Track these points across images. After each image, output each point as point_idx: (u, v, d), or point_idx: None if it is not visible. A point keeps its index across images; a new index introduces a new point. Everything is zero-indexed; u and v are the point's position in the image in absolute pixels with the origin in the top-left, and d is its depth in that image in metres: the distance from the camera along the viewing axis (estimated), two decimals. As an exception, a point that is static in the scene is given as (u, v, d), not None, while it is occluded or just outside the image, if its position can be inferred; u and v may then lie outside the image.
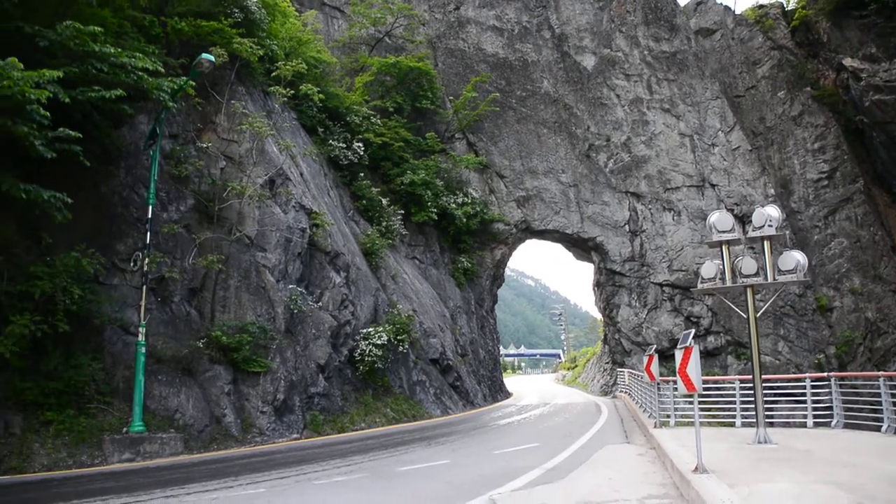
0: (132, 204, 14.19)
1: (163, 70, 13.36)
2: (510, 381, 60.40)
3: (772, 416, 12.85)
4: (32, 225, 12.44)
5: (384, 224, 25.05)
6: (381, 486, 8.54)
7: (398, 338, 20.27)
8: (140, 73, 12.53)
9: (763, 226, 10.99)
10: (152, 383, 12.93)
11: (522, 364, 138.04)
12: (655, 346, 16.79)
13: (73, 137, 11.16)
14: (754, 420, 11.07)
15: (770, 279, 11.01)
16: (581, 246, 34.66)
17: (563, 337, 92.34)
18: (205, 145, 16.20)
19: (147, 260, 13.18)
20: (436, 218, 28.39)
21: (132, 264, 13.50)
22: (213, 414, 13.55)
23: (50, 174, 11.99)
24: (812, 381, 13.57)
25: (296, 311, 16.53)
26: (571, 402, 28.94)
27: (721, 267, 11.68)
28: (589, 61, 34.29)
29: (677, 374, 8.48)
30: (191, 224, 15.27)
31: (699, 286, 11.82)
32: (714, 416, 15.60)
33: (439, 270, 29.21)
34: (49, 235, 12.45)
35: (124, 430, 12.06)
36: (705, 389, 14.72)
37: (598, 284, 35.78)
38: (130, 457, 11.66)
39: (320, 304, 18.10)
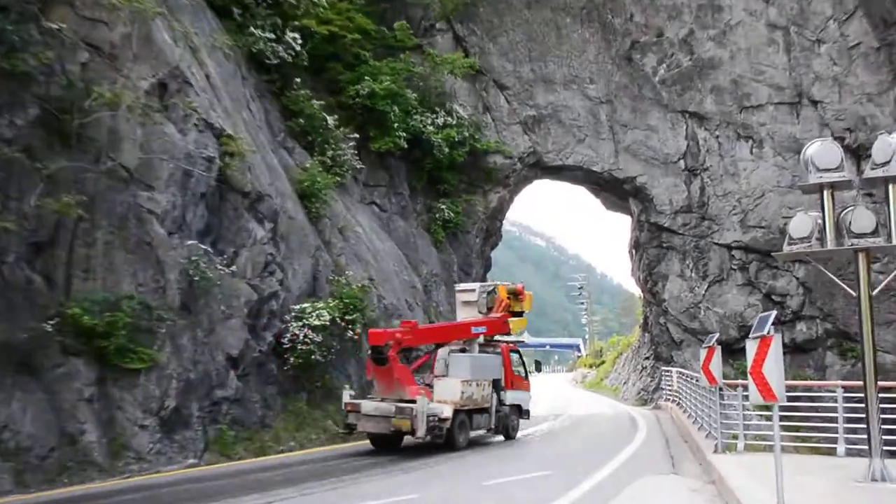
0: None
1: None
2: None
3: (893, 442, 12.88)
4: None
5: (330, 154, 25.02)
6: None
7: (347, 318, 20.42)
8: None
9: (889, 161, 10.71)
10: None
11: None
12: (718, 335, 16.73)
13: None
14: (866, 446, 11.00)
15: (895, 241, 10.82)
16: (614, 190, 34.41)
17: (584, 320, 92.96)
18: (55, 26, 15.53)
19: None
20: (405, 146, 28.35)
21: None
22: (64, 431, 13.27)
23: None
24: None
25: (197, 278, 16.38)
26: (595, 413, 29.34)
27: (820, 222, 11.53)
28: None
29: (749, 376, 8.55)
30: (34, 147, 14.65)
31: (786, 249, 11.74)
32: (804, 439, 15.62)
33: (409, 222, 29.27)
34: None
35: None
36: (792, 399, 14.76)
37: (636, 246, 35.65)
38: None
39: (234, 268, 17.94)
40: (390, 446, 17.82)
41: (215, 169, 17.72)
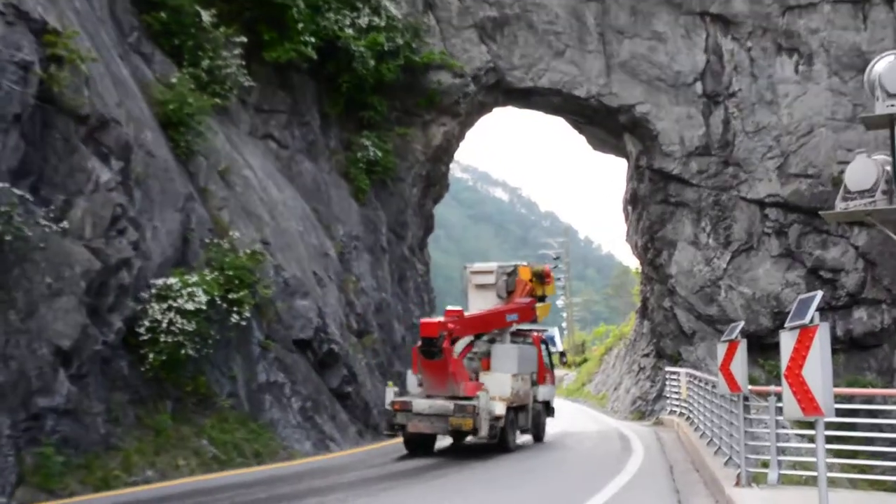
0: None
1: None
2: None
3: None
4: None
5: (206, 65, 24.81)
6: None
7: (232, 297, 20.62)
8: None
9: None
10: None
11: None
12: (744, 324, 16.69)
13: None
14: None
15: None
16: (604, 123, 34.51)
17: (560, 303, 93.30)
18: None
19: None
20: (314, 56, 28.20)
21: None
22: None
23: None
24: None
25: (9, 237, 15.93)
26: (572, 433, 29.55)
27: (889, 169, 11.52)
28: None
29: (783, 380, 8.65)
30: None
31: (839, 206, 11.75)
32: (863, 469, 15.77)
33: (319, 165, 29.27)
34: None
35: None
36: (845, 413, 14.83)
37: (634, 201, 35.79)
38: None
39: (65, 224, 17.43)
40: (426, 450, 22.17)
41: (34, 81, 17.15)
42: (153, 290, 19.17)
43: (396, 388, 22.01)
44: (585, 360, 64.81)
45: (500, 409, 21.34)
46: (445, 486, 16.77)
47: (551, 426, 27.27)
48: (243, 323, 20.95)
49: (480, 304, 25.18)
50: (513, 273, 25.58)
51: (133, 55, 22.92)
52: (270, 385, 22.44)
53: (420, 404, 21.24)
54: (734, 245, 32.16)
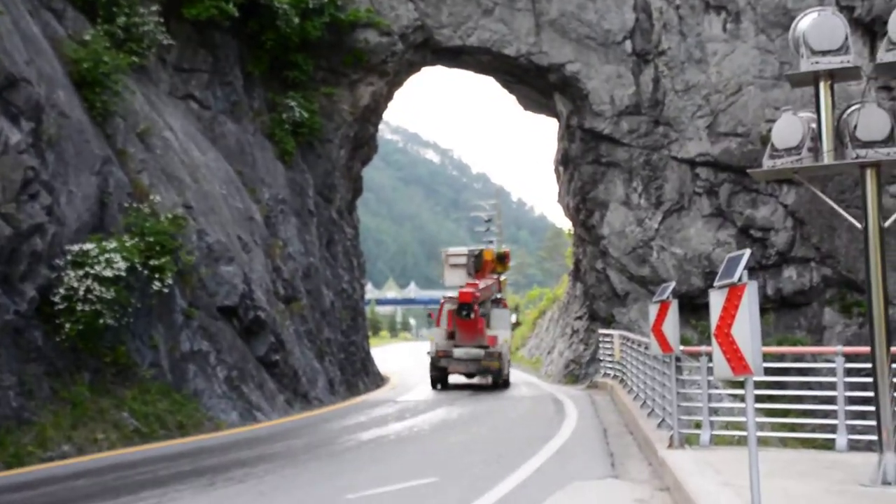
0: None
1: None
2: (386, 352, 62.23)
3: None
4: None
5: (122, 22, 24.37)
6: None
7: (153, 264, 20.53)
8: None
9: (915, 40, 10.65)
10: None
11: (412, 320, 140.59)
12: (675, 284, 16.65)
13: None
14: (874, 436, 11.10)
15: (919, 152, 10.82)
16: (535, 82, 34.44)
17: None
18: None
19: None
20: (236, 13, 27.94)
21: None
22: None
23: None
24: None
25: None
26: (506, 396, 29.52)
27: (815, 126, 11.43)
28: None
29: (713, 339, 8.62)
30: None
31: (767, 164, 11.64)
32: (793, 428, 15.93)
33: (243, 126, 29.06)
34: None
35: None
36: (774, 372, 14.88)
37: (565, 162, 35.82)
38: None
39: None
40: (443, 384, 33.24)
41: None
42: (69, 257, 18.84)
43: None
44: (518, 324, 65.07)
45: (508, 356, 33.73)
46: (373, 456, 16.75)
47: (485, 393, 29.88)
48: (165, 290, 20.86)
49: (455, 280, 34.22)
50: (479, 255, 35.21)
51: (43, 11, 22.38)
52: (194, 354, 22.27)
53: (458, 352, 31.72)
54: (666, 205, 32.30)
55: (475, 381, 33.31)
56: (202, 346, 22.57)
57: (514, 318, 37.30)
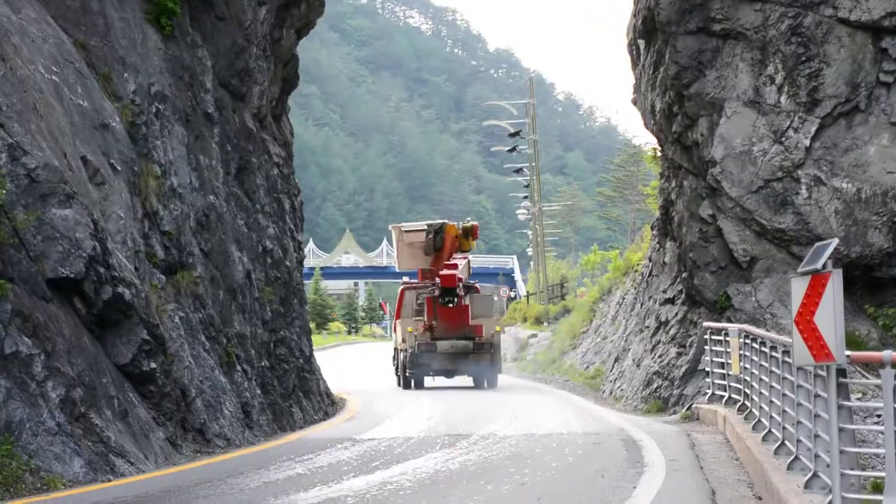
0: None
1: None
2: (340, 357, 59.80)
3: None
4: None
5: None
6: None
7: None
8: None
9: None
10: None
11: (384, 303, 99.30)
12: (839, 244, 13.51)
13: None
14: None
15: None
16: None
17: (522, 214, 76.29)
18: None
19: None
20: None
21: None
22: None
23: None
24: None
25: None
26: (541, 434, 22.49)
27: None
28: None
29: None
30: None
31: None
32: None
33: None
34: None
35: None
36: None
37: (648, 30, 27.78)
38: None
39: None
40: (420, 387, 34.01)
41: None
42: None
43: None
44: (568, 312, 54.26)
45: (500, 349, 32.70)
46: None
47: (507, 421, 24.59)
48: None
49: (410, 263, 34.88)
50: (440, 231, 33.95)
51: None
52: (4, 360, 16.94)
53: (442, 345, 30.30)
54: (826, 106, 24.64)
55: (454, 381, 31.85)
56: (20, 347, 17.00)
57: (504, 294, 35.19)
